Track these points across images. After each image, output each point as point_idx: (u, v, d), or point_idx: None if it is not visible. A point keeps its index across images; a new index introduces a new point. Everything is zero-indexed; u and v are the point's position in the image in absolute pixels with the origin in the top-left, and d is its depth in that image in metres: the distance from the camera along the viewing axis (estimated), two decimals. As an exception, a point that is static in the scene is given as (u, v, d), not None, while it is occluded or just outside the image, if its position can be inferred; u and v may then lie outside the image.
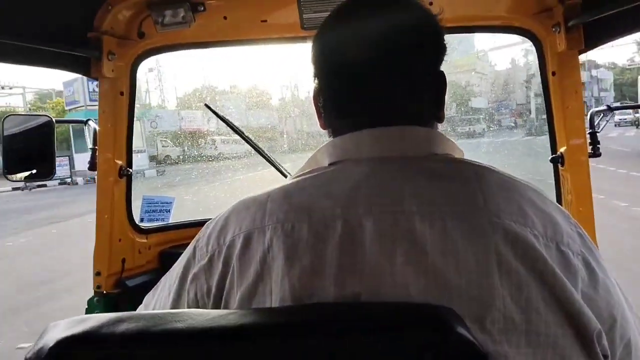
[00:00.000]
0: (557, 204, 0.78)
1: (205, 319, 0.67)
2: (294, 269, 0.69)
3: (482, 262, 0.66)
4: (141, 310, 0.90)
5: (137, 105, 1.80)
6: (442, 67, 0.85)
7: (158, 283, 0.89)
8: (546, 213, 0.73)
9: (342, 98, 0.83)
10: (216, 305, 0.75)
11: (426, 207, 0.69)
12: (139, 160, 21.62)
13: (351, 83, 0.81)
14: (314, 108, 0.88)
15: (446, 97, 0.86)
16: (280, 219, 0.73)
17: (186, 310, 0.76)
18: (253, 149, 1.96)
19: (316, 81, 0.86)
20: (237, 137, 2.00)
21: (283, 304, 0.68)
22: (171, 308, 0.81)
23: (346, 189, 0.73)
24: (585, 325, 0.67)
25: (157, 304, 0.87)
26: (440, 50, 0.83)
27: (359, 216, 0.70)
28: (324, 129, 0.88)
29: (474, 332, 0.62)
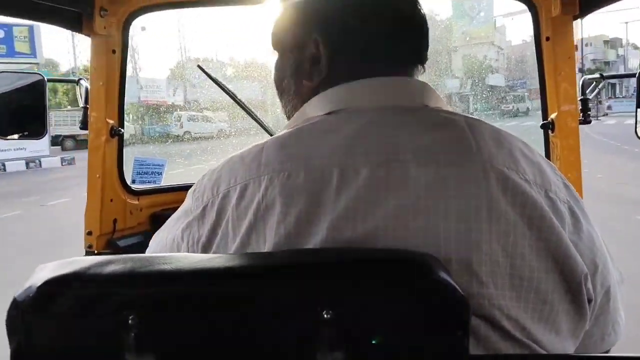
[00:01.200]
0: (544, 156, 0.79)
1: (192, 262, 0.68)
2: (289, 215, 0.70)
3: (472, 207, 0.67)
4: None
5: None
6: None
7: (160, 229, 0.89)
8: (535, 162, 0.75)
9: (341, 49, 0.83)
10: (204, 253, 0.75)
11: (421, 154, 0.71)
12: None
13: (348, 34, 0.82)
14: None
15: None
16: (276, 168, 0.73)
17: (175, 254, 0.77)
18: (250, 117, 1.95)
19: (304, 50, 0.86)
20: (207, 114, 1.99)
21: (277, 249, 0.69)
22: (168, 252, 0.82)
23: (344, 138, 0.74)
24: (573, 268, 0.69)
25: (157, 246, 0.87)
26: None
27: (356, 164, 0.71)
28: (304, 80, 0.87)
29: (459, 274, 0.64)
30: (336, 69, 0.83)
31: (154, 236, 0.90)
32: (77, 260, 0.68)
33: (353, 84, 0.80)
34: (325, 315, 0.59)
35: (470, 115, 0.79)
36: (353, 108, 0.79)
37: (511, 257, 0.67)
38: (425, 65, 0.87)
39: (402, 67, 0.84)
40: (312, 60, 0.86)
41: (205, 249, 0.76)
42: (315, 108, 0.82)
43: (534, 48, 1.64)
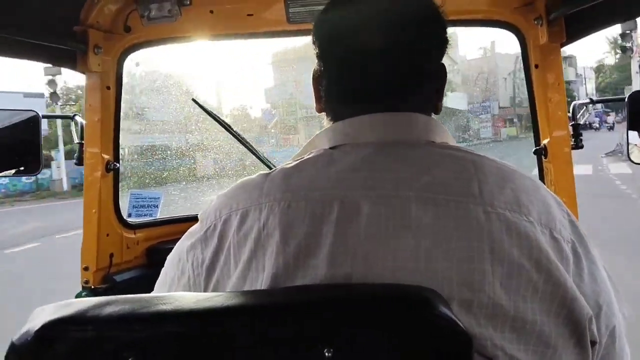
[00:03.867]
0: (549, 190, 0.79)
1: (191, 301, 0.67)
2: (288, 246, 0.70)
3: (475, 248, 0.67)
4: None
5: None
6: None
7: (167, 261, 0.89)
8: (540, 200, 0.74)
9: (345, 83, 0.83)
10: (208, 277, 0.76)
11: (422, 192, 0.70)
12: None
13: (355, 68, 0.81)
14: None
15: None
16: (277, 197, 0.74)
17: (173, 293, 0.77)
18: (246, 148, 1.96)
19: (318, 62, 0.87)
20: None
21: (276, 280, 0.69)
22: (174, 279, 0.82)
23: (345, 171, 0.74)
24: (578, 312, 0.68)
25: (166, 269, 0.87)
26: (443, 42, 0.84)
27: (357, 198, 0.71)
28: (320, 112, 0.89)
29: (459, 314, 0.63)
30: (339, 102, 0.84)
31: (168, 257, 0.89)
32: (74, 303, 0.67)
33: (357, 120, 0.80)
34: (327, 354, 0.58)
35: (476, 152, 0.79)
36: (356, 143, 0.79)
37: (514, 300, 0.66)
38: (440, 106, 0.87)
39: (410, 102, 0.82)
40: (319, 89, 0.87)
41: (209, 272, 0.76)
42: (322, 140, 0.83)
43: (523, 75, 1.67)
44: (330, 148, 0.80)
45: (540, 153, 1.67)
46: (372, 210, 0.70)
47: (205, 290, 0.77)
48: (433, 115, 0.86)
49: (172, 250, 0.87)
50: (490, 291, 0.66)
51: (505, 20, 1.65)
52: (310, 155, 0.80)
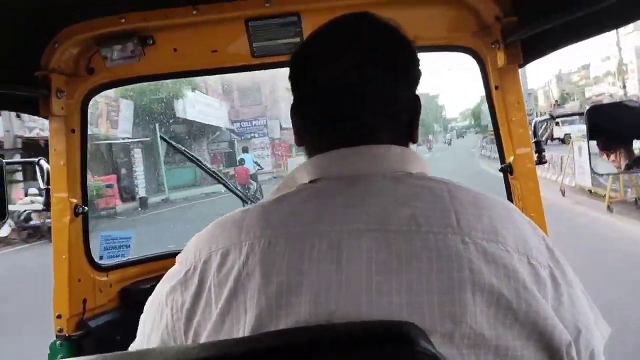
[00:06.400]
0: (524, 216, 0.80)
1: (171, 355, 0.66)
2: (270, 285, 0.69)
3: (455, 280, 0.68)
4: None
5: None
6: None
7: (147, 305, 0.87)
8: (516, 227, 0.75)
9: (319, 116, 0.84)
10: (188, 321, 0.75)
11: (403, 226, 0.71)
12: None
13: (329, 102, 0.82)
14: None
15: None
16: (257, 234, 0.73)
17: (151, 349, 0.75)
18: (218, 182, 1.95)
19: (294, 96, 0.87)
20: None
21: (259, 321, 0.68)
22: (153, 326, 0.80)
23: (325, 207, 0.74)
24: (557, 338, 0.69)
25: (145, 316, 0.85)
26: (416, 74, 0.86)
27: (338, 234, 0.71)
28: (299, 145, 0.89)
29: (441, 346, 0.65)
30: (315, 135, 0.85)
31: (148, 300, 0.87)
32: None
33: (333, 153, 0.81)
34: None
35: (451, 181, 0.80)
36: (333, 177, 0.79)
37: (495, 328, 0.67)
38: (416, 137, 0.87)
39: (384, 133, 0.83)
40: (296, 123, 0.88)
41: (190, 315, 0.75)
42: (301, 174, 0.83)
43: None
44: (310, 182, 0.80)
45: (506, 171, 1.71)
46: (353, 245, 0.70)
47: (185, 335, 0.75)
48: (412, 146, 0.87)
49: (151, 295, 0.85)
50: (472, 321, 0.67)
51: (464, 45, 1.70)
52: (290, 190, 0.80)
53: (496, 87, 1.66)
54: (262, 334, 0.68)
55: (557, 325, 0.70)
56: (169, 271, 0.82)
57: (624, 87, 39.94)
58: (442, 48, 1.76)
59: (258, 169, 19.39)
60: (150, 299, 0.85)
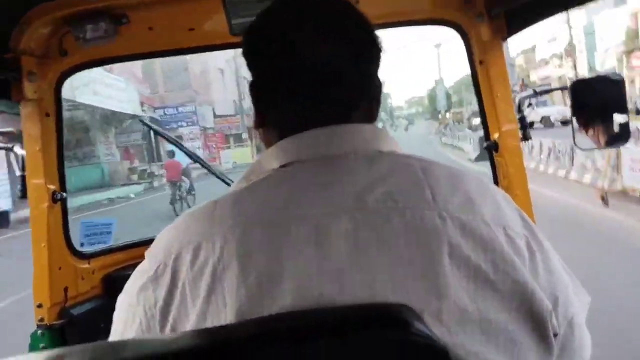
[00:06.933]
0: (498, 188, 0.81)
1: (154, 345, 0.65)
2: (249, 276, 0.67)
3: (435, 256, 0.68)
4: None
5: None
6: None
7: (118, 303, 0.83)
8: (491, 199, 0.76)
9: (287, 97, 0.81)
10: (163, 319, 0.72)
11: (380, 204, 0.70)
12: None
13: (298, 82, 0.79)
14: None
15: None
16: (229, 225, 0.71)
17: (133, 338, 0.73)
18: (201, 165, 1.92)
19: (254, 75, 0.84)
20: None
21: (241, 314, 0.66)
22: (126, 325, 0.77)
23: (299, 190, 0.73)
24: (538, 305, 0.70)
25: (117, 314, 0.82)
26: (379, 50, 0.84)
27: (316, 217, 0.70)
28: (258, 127, 0.86)
29: (432, 326, 0.64)
30: (282, 116, 0.82)
31: (117, 299, 0.84)
32: (27, 358, 0.64)
33: (305, 135, 0.78)
34: None
35: (424, 158, 0.79)
36: (305, 159, 0.77)
37: (476, 302, 0.67)
38: (377, 114, 0.86)
39: (355, 112, 0.81)
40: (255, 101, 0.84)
41: (164, 313, 0.72)
42: (269, 160, 0.80)
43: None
44: (280, 167, 0.78)
45: (492, 148, 1.70)
46: (333, 227, 0.69)
47: (161, 332, 0.72)
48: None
49: (122, 292, 0.81)
50: (454, 295, 0.66)
51: (447, 19, 1.68)
52: (260, 177, 0.77)
53: (480, 62, 1.64)
54: (248, 320, 0.66)
55: (537, 292, 0.70)
56: (138, 267, 0.79)
57: (575, 67, 39.16)
58: (425, 22, 1.74)
59: (190, 163, 15.93)
60: (121, 296, 0.81)
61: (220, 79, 33.10)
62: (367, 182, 0.73)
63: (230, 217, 0.72)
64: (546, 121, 28.96)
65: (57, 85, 1.68)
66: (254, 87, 0.85)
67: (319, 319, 0.65)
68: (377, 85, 0.85)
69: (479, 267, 0.68)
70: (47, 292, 1.66)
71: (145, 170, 25.39)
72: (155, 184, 23.27)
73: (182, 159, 14.56)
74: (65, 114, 1.80)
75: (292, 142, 0.79)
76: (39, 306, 1.65)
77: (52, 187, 1.68)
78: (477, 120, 27.94)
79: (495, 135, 1.68)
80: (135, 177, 25.25)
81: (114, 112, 24.01)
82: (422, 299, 0.66)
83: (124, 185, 22.02)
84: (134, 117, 24.22)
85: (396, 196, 0.71)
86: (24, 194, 1.68)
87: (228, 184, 1.97)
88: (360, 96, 0.82)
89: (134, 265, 0.76)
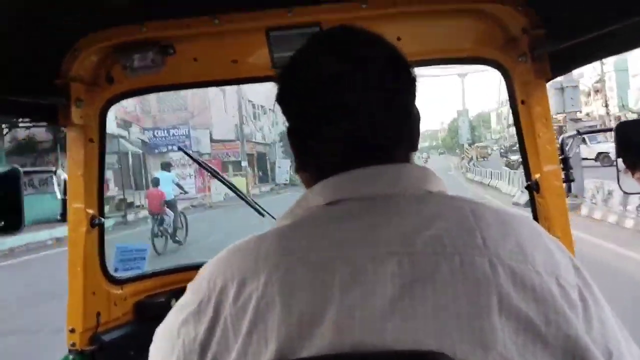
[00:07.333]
0: (549, 234, 0.78)
1: None
2: (291, 315, 0.66)
3: (484, 306, 0.65)
4: None
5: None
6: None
7: (161, 324, 0.82)
8: (543, 247, 0.73)
9: (331, 138, 0.80)
10: (202, 354, 0.71)
11: (428, 248, 0.68)
12: None
13: (341, 123, 0.78)
14: None
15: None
16: (274, 262, 0.70)
17: None
18: (236, 195, 1.93)
19: (291, 120, 0.84)
20: None
21: (281, 352, 0.65)
22: (164, 358, 0.76)
23: (346, 230, 0.71)
24: None
25: (156, 344, 0.81)
26: (415, 85, 0.84)
27: (362, 259, 0.68)
28: (299, 170, 0.86)
29: None
30: (324, 158, 0.81)
31: (156, 331, 0.83)
32: None
33: (351, 173, 0.77)
34: None
35: (474, 200, 0.77)
36: (351, 197, 0.76)
37: (524, 356, 0.64)
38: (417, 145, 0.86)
39: (400, 150, 0.81)
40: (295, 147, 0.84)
41: (204, 348, 0.71)
42: (315, 197, 0.79)
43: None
44: (327, 204, 0.77)
45: (532, 188, 1.66)
46: (377, 270, 0.67)
47: None
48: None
49: (161, 325, 0.81)
50: (502, 348, 0.63)
51: (490, 58, 1.67)
52: (306, 214, 0.76)
53: (522, 102, 1.62)
54: None
55: (590, 347, 0.66)
56: (180, 301, 0.78)
57: (607, 105, 37.19)
58: (467, 61, 1.73)
59: (180, 194, 14.31)
60: (160, 328, 0.81)
61: (221, 100, 30.38)
62: (416, 224, 0.71)
63: (275, 254, 0.71)
64: (603, 158, 23.98)
65: (102, 112, 1.72)
66: (291, 133, 0.85)
67: None
68: (415, 115, 0.84)
69: (529, 320, 0.65)
70: (81, 317, 1.67)
71: (123, 200, 21.53)
72: (131, 217, 20.33)
73: (167, 188, 13.18)
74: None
75: (338, 179, 0.78)
76: (72, 331, 1.66)
77: (91, 211, 1.71)
78: (515, 156, 26.36)
79: (536, 175, 1.64)
80: (107, 208, 19.69)
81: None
82: (467, 350, 0.63)
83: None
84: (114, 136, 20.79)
85: (445, 240, 0.69)
86: (63, 218, 1.70)
87: (259, 212, 1.97)
88: (402, 132, 0.81)
89: (165, 293, 0.77)
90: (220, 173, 1.94)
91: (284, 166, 32.35)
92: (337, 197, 0.77)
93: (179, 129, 26.46)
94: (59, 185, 1.74)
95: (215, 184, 23.99)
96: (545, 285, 0.68)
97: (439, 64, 1.76)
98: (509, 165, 29.51)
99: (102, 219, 1.74)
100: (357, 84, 0.78)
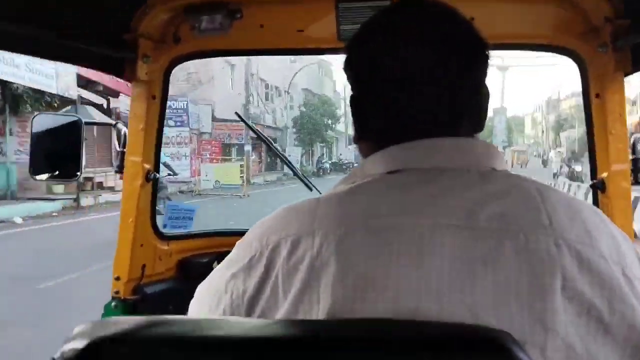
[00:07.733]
0: (615, 225, 0.74)
1: (243, 328, 0.64)
2: (347, 277, 0.65)
3: (547, 285, 0.63)
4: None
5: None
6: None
7: (204, 281, 0.84)
8: (610, 235, 0.70)
9: (399, 108, 0.78)
10: (250, 309, 0.71)
11: (493, 223, 0.66)
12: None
13: (410, 94, 0.77)
14: None
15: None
16: (332, 224, 0.69)
17: (224, 317, 0.72)
18: (286, 165, 1.93)
19: (357, 88, 0.83)
20: None
21: (332, 313, 0.64)
22: (209, 311, 0.77)
23: (409, 198, 0.70)
24: None
25: (199, 300, 0.82)
26: (487, 62, 0.82)
27: (420, 227, 0.67)
28: (360, 140, 0.84)
29: (534, 358, 0.59)
30: (389, 127, 0.79)
31: (197, 288, 0.84)
32: (120, 321, 0.66)
33: (416, 144, 0.76)
34: None
35: (538, 181, 0.75)
36: (414, 168, 0.74)
37: (585, 342, 0.62)
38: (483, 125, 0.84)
39: (467, 125, 0.79)
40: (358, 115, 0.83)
41: (251, 303, 0.71)
42: (375, 165, 0.77)
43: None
44: (387, 173, 0.75)
45: (597, 187, 1.59)
46: (436, 240, 0.65)
47: None
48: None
49: (204, 281, 0.82)
50: (562, 330, 0.62)
51: (566, 47, 1.59)
52: (365, 180, 0.75)
53: (597, 96, 1.54)
54: (344, 319, 0.64)
55: None
56: (228, 257, 0.78)
57: None
58: (543, 48, 1.67)
59: (168, 175, 12.09)
60: (204, 284, 0.81)
61: (228, 74, 26.51)
62: (480, 199, 0.69)
63: (333, 216, 0.70)
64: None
65: (166, 71, 1.75)
66: (354, 101, 0.83)
67: (416, 331, 0.61)
68: (484, 94, 0.82)
69: (593, 305, 0.63)
70: (127, 266, 1.71)
71: (90, 178, 16.98)
72: (87, 201, 15.98)
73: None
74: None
75: (401, 149, 0.76)
76: (117, 279, 1.71)
77: (147, 166, 1.74)
78: (579, 167, 23.85)
79: (603, 174, 1.56)
80: (68, 188, 15.38)
81: (41, 92, 15.60)
82: (527, 330, 0.61)
83: (33, 200, 14.71)
84: (73, 102, 16.40)
85: (509, 218, 0.67)
86: (120, 170, 1.75)
87: (307, 185, 1.97)
88: (468, 108, 0.79)
89: (209, 254, 0.77)
90: (273, 143, 1.94)
91: (294, 155, 29.75)
92: (397, 167, 0.75)
93: (176, 101, 22.07)
94: (118, 138, 1.79)
95: (205, 168, 21.54)
96: (612, 273, 0.65)
97: (511, 49, 1.70)
98: (572, 177, 25.35)
99: (157, 175, 1.78)
100: (426, 58, 0.76)
